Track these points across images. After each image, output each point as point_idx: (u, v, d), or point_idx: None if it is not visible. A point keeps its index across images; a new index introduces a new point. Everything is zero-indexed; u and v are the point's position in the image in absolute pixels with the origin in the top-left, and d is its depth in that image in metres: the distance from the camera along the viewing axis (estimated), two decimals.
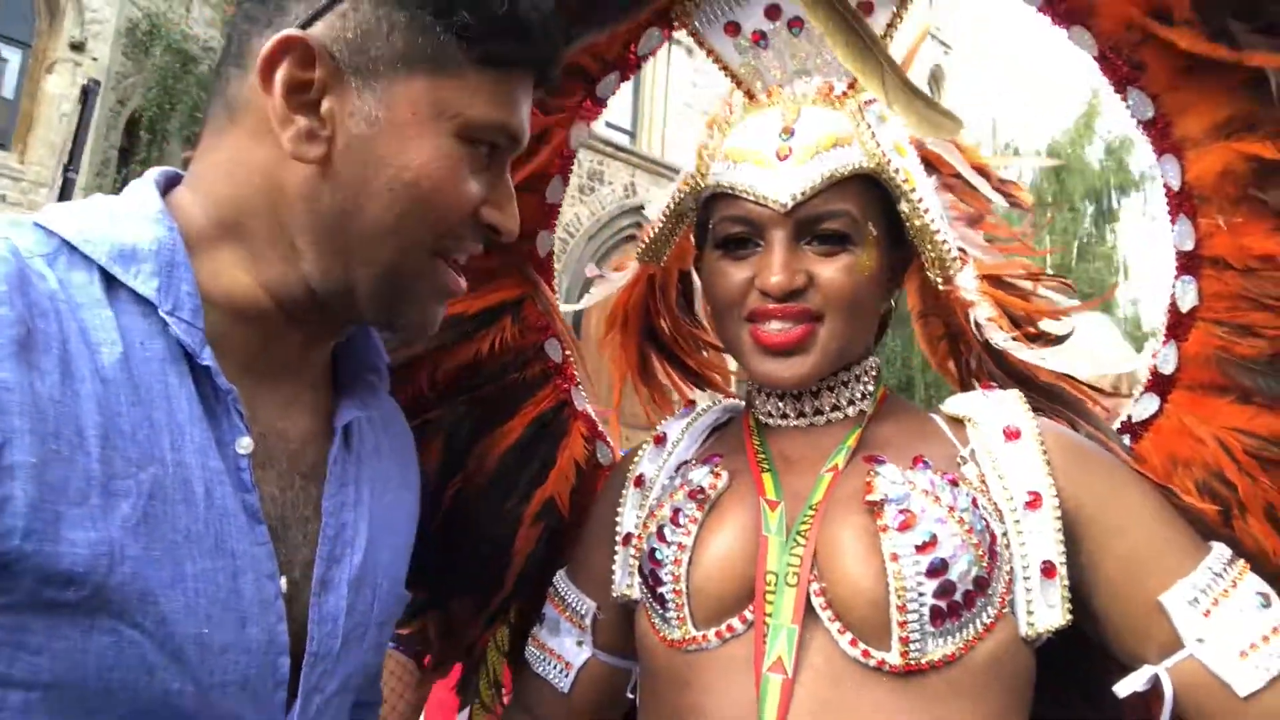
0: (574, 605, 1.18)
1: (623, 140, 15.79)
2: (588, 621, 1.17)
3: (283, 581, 0.77)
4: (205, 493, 0.71)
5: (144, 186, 0.80)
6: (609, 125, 15.18)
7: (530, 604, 1.29)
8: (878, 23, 1.05)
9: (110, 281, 0.71)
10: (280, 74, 0.74)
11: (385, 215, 0.77)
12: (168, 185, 0.82)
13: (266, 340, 0.81)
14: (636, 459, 1.20)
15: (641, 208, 14.76)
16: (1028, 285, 1.37)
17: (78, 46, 10.83)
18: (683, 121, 15.90)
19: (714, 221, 1.04)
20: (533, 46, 0.81)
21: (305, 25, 0.76)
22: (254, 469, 0.76)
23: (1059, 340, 1.38)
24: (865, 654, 0.91)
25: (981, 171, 1.39)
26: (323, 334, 0.87)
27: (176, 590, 0.68)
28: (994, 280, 1.34)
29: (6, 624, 0.61)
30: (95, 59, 10.90)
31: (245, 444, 0.75)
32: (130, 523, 0.66)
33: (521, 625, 1.31)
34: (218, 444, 0.73)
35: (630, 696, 1.16)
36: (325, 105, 0.76)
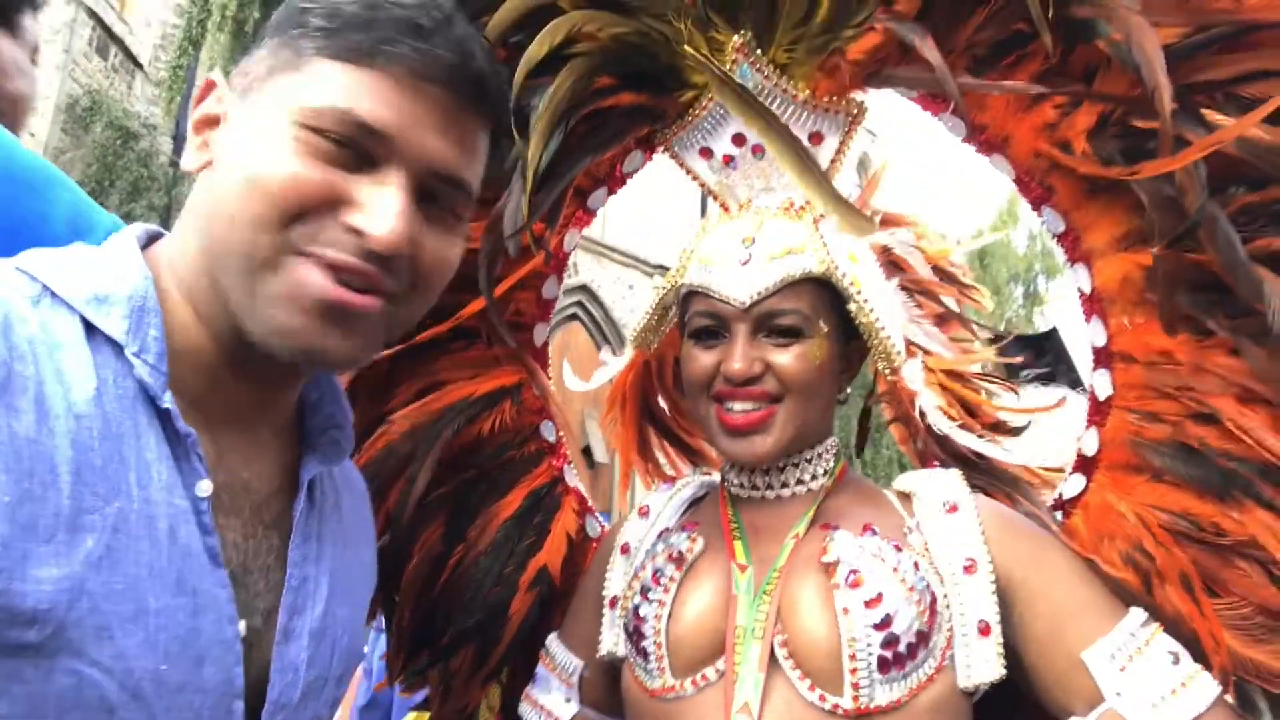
0: (563, 664, 1.30)
1: None
2: (575, 679, 1.28)
3: (242, 625, 0.78)
4: (169, 530, 0.72)
5: (124, 239, 0.82)
6: None
7: (522, 665, 1.40)
8: (827, 148, 1.23)
9: (89, 324, 0.73)
10: (198, 114, 0.83)
11: (231, 207, 0.77)
12: (149, 241, 0.86)
13: (224, 388, 0.82)
14: (623, 529, 1.33)
15: (583, 286, 14.86)
16: (983, 383, 1.53)
17: None
18: (622, 204, 16.24)
19: (688, 315, 1.21)
20: (376, 34, 0.78)
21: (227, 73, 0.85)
22: (217, 514, 0.77)
23: (1016, 432, 1.53)
24: (822, 698, 1.02)
25: (946, 274, 1.57)
26: (275, 381, 0.87)
27: (137, 625, 0.68)
28: (954, 375, 1.49)
29: None
30: (33, 134, 10.81)
31: (204, 487, 0.76)
32: (94, 557, 0.66)
33: (513, 685, 1.42)
34: (183, 485, 0.74)
35: None
36: (220, 127, 0.82)
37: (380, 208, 0.77)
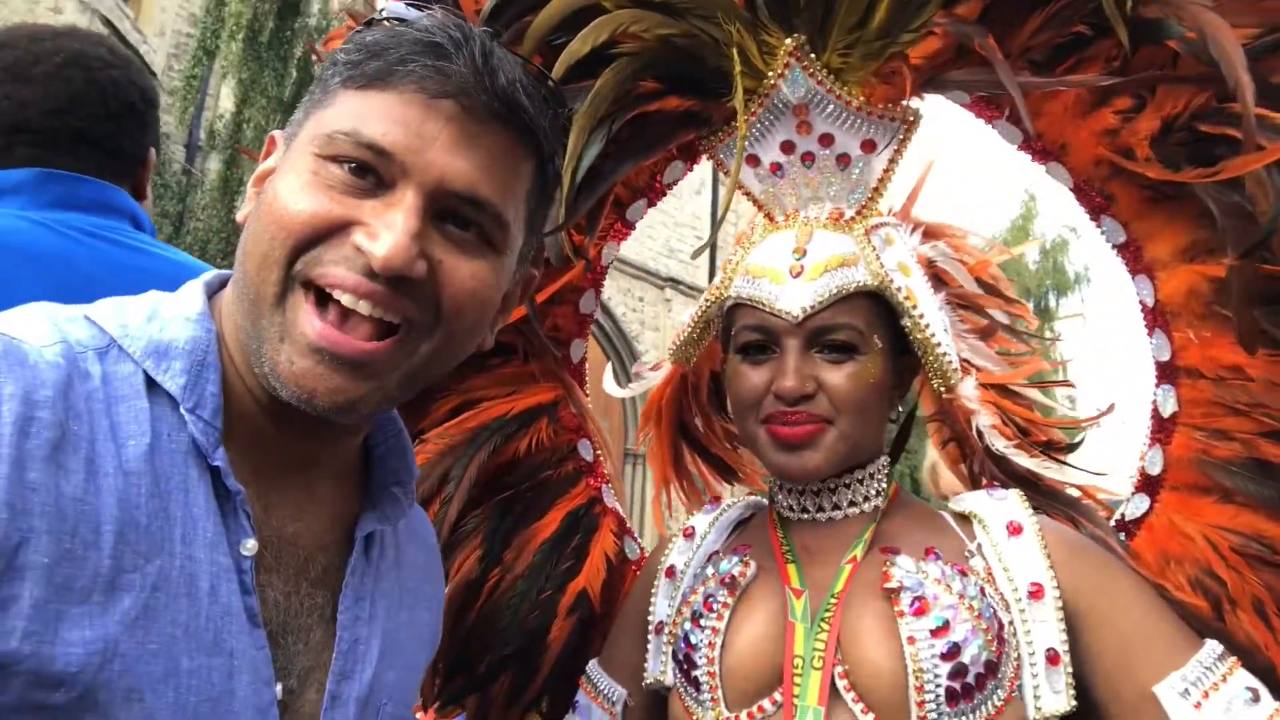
0: (606, 692, 1.25)
1: None
2: (618, 709, 1.23)
3: (279, 688, 0.76)
4: (210, 588, 0.71)
5: (195, 287, 0.82)
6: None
7: (562, 693, 1.35)
8: (881, 157, 1.19)
9: (149, 375, 0.73)
10: (260, 168, 0.84)
11: (250, 247, 0.77)
12: (221, 285, 0.85)
13: (271, 439, 0.81)
14: (667, 552, 1.29)
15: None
16: (1034, 394, 1.48)
17: None
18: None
19: (735, 329, 1.16)
20: (388, 57, 0.77)
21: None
22: (259, 571, 0.76)
23: (1070, 449, 1.48)
24: None
25: (990, 287, 1.52)
26: (319, 431, 0.83)
27: (168, 685, 0.67)
28: (1002, 390, 1.45)
29: None
30: None
31: (250, 546, 0.74)
32: (130, 617, 0.66)
33: (553, 714, 1.37)
34: (228, 542, 0.73)
35: None
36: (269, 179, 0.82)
37: (383, 227, 0.74)
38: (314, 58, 7.55)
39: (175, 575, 0.69)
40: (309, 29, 9.91)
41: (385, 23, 0.82)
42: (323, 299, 0.75)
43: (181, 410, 0.73)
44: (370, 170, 0.75)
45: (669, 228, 14.01)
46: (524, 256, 0.91)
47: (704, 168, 1.41)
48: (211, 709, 0.69)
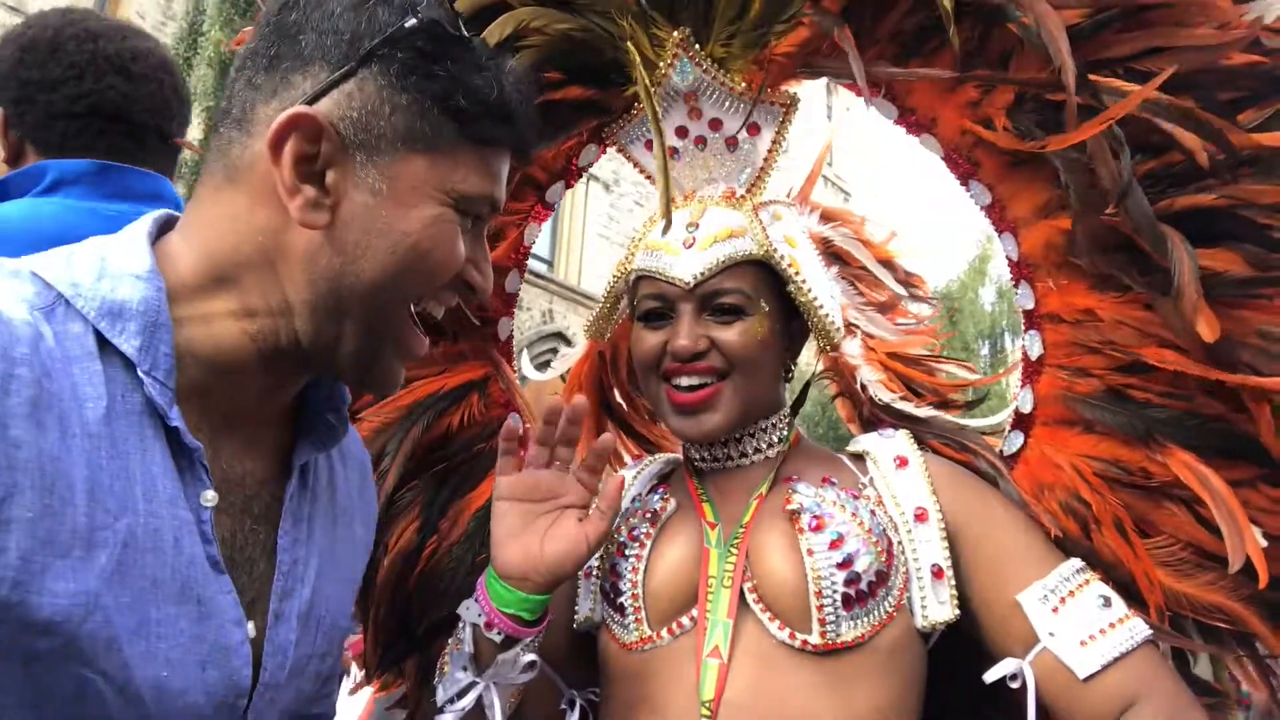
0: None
1: (541, 269, 16.45)
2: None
3: (250, 626, 0.81)
4: (174, 541, 0.74)
5: (138, 237, 0.81)
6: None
7: None
8: (764, 139, 1.30)
9: (100, 334, 0.74)
10: (289, 147, 0.78)
11: (383, 276, 0.81)
12: (160, 230, 0.85)
13: (240, 388, 0.84)
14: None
15: (559, 333, 15.11)
16: (931, 364, 1.61)
17: None
18: (598, 252, 16.57)
19: (637, 299, 1.27)
20: (515, 128, 0.87)
21: (312, 100, 0.79)
22: (213, 516, 0.80)
23: (970, 406, 1.60)
24: (791, 635, 1.09)
25: (888, 264, 1.65)
26: (294, 381, 0.90)
27: (140, 636, 0.71)
28: (902, 358, 1.57)
29: None
30: None
31: (209, 497, 0.78)
32: (106, 573, 0.68)
33: None
34: (185, 495, 0.76)
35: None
36: (330, 177, 0.79)
37: (487, 268, 0.92)
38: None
39: (141, 532, 0.72)
40: None
41: (454, 46, 0.83)
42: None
43: (139, 372, 0.74)
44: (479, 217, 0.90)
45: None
46: None
47: None
48: (182, 654, 0.74)
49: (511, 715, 1.16)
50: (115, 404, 0.73)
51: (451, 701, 1.10)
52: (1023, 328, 1.29)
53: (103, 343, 0.74)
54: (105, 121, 1.44)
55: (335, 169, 0.79)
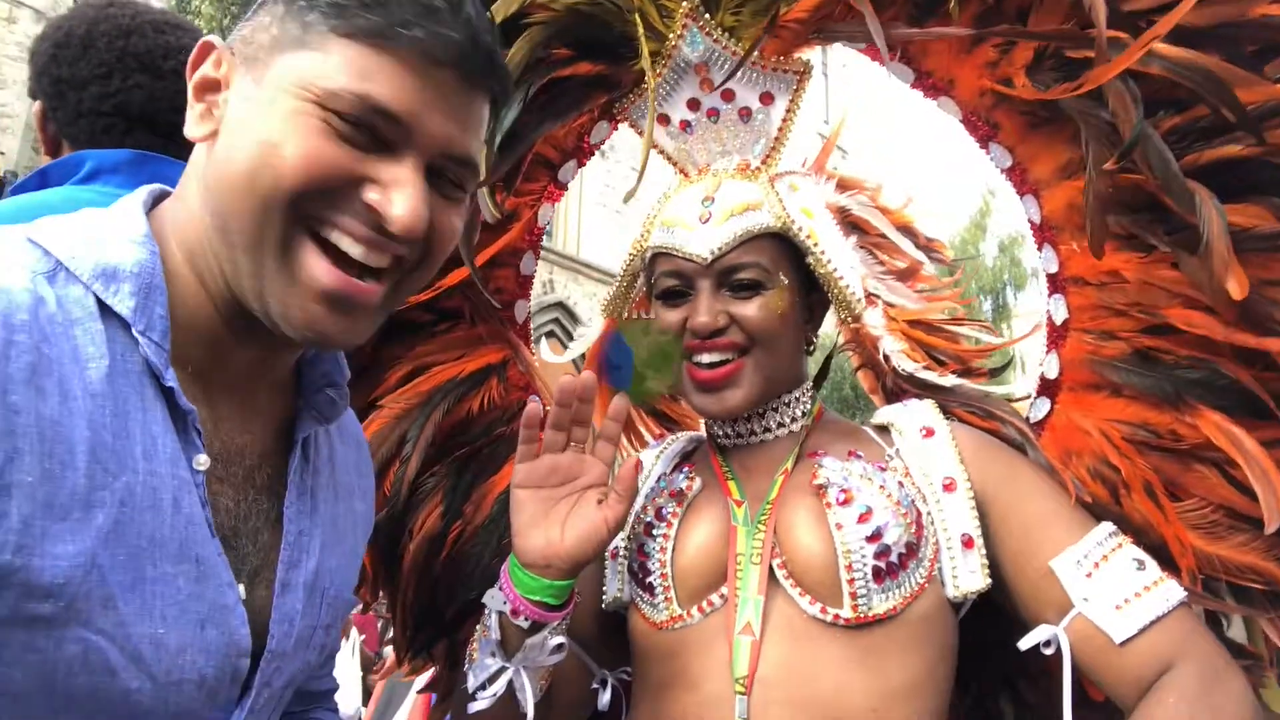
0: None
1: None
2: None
3: (241, 589, 0.81)
4: (173, 500, 0.74)
5: (133, 207, 0.83)
6: None
7: None
8: (778, 108, 1.27)
9: (99, 298, 0.74)
10: (195, 76, 0.82)
11: (241, 178, 0.77)
12: (155, 202, 0.86)
13: (225, 357, 0.84)
14: None
15: (560, 303, 14.98)
16: (954, 329, 1.59)
17: None
18: (596, 221, 16.24)
19: (655, 277, 1.25)
20: (386, 9, 0.78)
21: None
22: (211, 482, 0.80)
23: (995, 373, 1.59)
24: (823, 610, 1.08)
25: (907, 230, 1.63)
26: (277, 349, 0.88)
27: (135, 593, 0.71)
28: (924, 325, 1.55)
29: None
30: (3, 153, 10.66)
31: (201, 461, 0.78)
32: (103, 532, 0.69)
33: None
34: (185, 457, 0.77)
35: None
36: (221, 94, 0.82)
37: (399, 192, 0.79)
38: None
39: (140, 490, 0.72)
40: None
41: None
42: (321, 242, 0.79)
43: (134, 332, 0.75)
44: (372, 129, 0.78)
45: (634, 232, 14.14)
46: None
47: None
48: (179, 611, 0.74)
49: (543, 697, 1.16)
50: (116, 364, 0.73)
51: (483, 688, 1.11)
52: (1046, 292, 1.27)
53: (103, 305, 0.75)
54: (131, 121, 1.44)
55: (227, 89, 0.81)
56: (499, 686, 1.10)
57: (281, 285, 0.78)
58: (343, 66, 0.77)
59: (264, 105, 0.78)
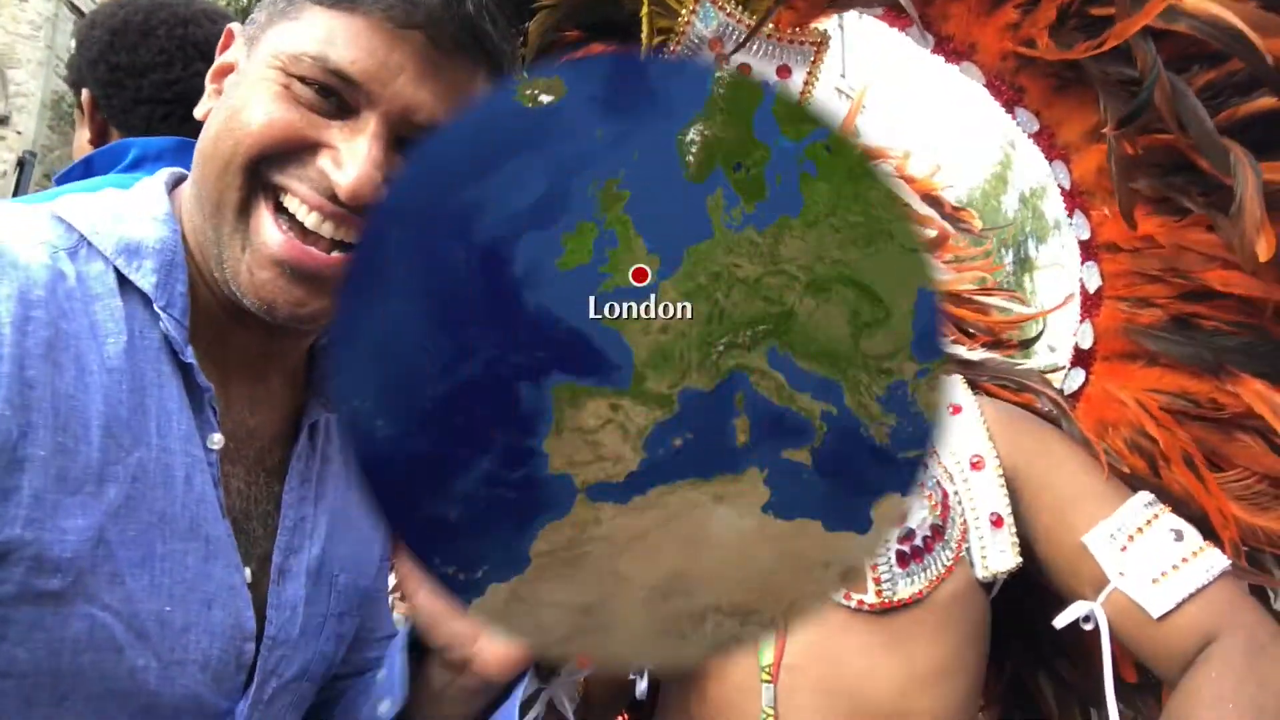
0: None
1: None
2: None
3: (247, 571, 0.81)
4: (185, 478, 0.74)
5: (155, 187, 0.84)
6: None
7: None
8: (795, 81, 1.25)
9: (120, 273, 0.75)
10: (218, 60, 0.85)
11: (210, 149, 0.79)
12: (177, 184, 0.87)
13: (232, 338, 0.84)
14: None
15: None
16: (984, 299, 1.55)
17: (2, 120, 10.75)
18: None
19: None
20: None
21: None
22: (224, 463, 0.80)
23: (1025, 345, 1.55)
24: (847, 596, 1.07)
25: (933, 200, 1.59)
26: (276, 331, 0.85)
27: (144, 569, 0.71)
28: (952, 297, 1.52)
29: None
30: (20, 132, 10.81)
31: (216, 440, 0.78)
32: (114, 507, 0.69)
33: None
34: (199, 435, 0.77)
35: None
36: (231, 76, 0.83)
37: (349, 155, 0.76)
38: None
39: (152, 466, 0.72)
40: None
41: None
42: (279, 209, 0.78)
43: (155, 308, 0.75)
44: (334, 93, 0.76)
45: None
46: None
47: None
48: (186, 590, 0.74)
49: (582, 695, 1.17)
50: (134, 339, 0.73)
51: (523, 713, 1.11)
52: (1079, 260, 1.23)
53: (123, 281, 0.75)
54: (190, 108, 1.45)
55: (233, 70, 0.83)
56: (539, 709, 1.11)
57: (236, 250, 0.78)
58: (308, 32, 0.77)
59: (245, 77, 0.80)
